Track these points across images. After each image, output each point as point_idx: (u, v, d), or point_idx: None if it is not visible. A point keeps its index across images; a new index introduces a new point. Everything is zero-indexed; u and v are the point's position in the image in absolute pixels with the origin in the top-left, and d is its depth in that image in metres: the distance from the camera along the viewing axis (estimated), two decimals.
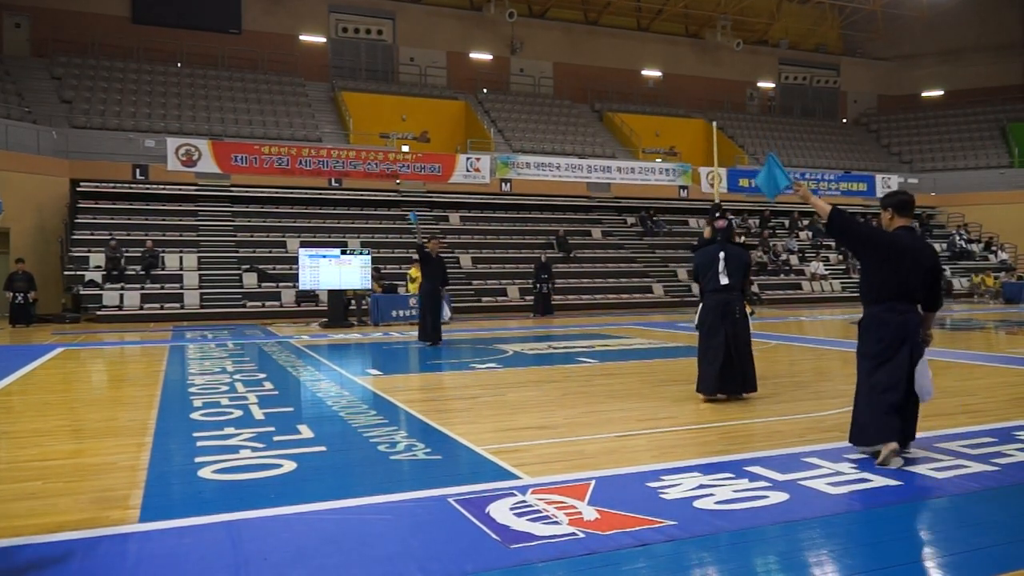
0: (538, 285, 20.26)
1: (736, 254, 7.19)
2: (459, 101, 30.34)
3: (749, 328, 7.30)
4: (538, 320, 18.90)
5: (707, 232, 7.70)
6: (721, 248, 7.16)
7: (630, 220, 27.89)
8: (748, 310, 7.59)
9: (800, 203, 6.39)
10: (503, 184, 26.13)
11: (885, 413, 4.72)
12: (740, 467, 4.65)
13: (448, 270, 20.52)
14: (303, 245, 19.90)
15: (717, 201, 9.30)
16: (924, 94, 38.86)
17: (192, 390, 7.98)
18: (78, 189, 21.96)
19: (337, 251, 17.78)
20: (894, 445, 4.71)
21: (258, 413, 6.64)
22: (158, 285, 19.93)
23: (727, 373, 7.00)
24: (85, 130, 22.73)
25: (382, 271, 19.96)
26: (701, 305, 7.31)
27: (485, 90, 31.88)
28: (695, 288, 7.41)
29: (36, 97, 23.55)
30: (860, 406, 4.92)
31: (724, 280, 7.06)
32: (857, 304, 5.66)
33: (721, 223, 7.37)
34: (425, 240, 13.02)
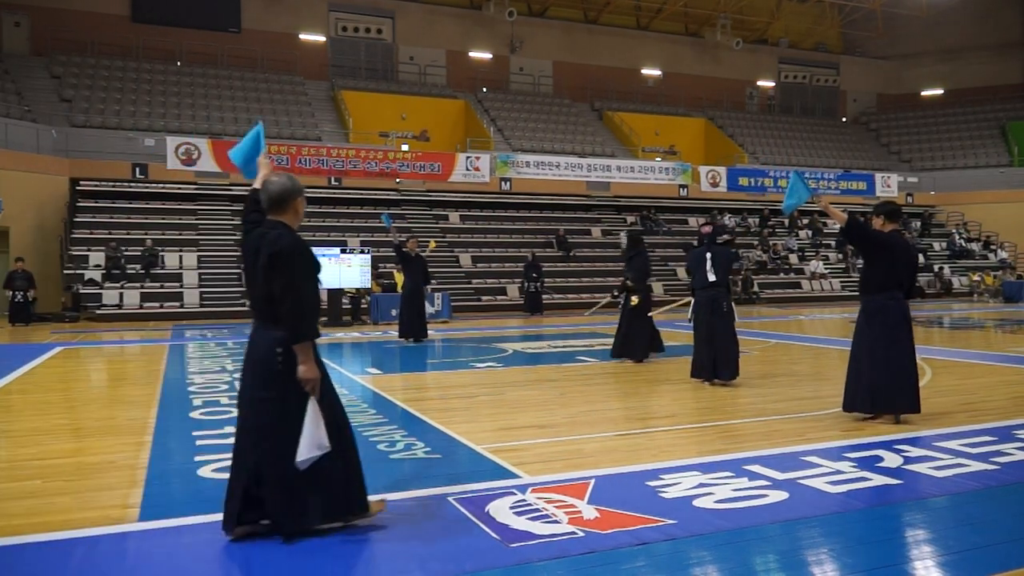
0: (527, 284, 20.28)
1: (721, 253, 8.10)
2: (459, 100, 30.33)
3: (735, 320, 8.10)
4: (529, 319, 18.83)
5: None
6: (708, 250, 8.09)
7: (630, 219, 27.87)
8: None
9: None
10: (503, 183, 26.12)
11: (907, 385, 5.82)
12: (739, 466, 4.66)
13: (447, 269, 20.50)
14: None
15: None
16: (924, 93, 38.86)
17: (192, 389, 7.98)
18: (78, 188, 21.95)
19: (337, 250, 17.78)
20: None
21: None
22: (158, 284, 19.92)
23: (716, 360, 7.88)
24: (85, 129, 22.72)
25: (379, 270, 19.97)
26: (693, 301, 8.20)
27: (485, 89, 31.86)
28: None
29: (36, 96, 23.53)
30: (870, 379, 5.84)
31: (712, 277, 7.95)
32: (856, 302, 5.94)
33: (707, 229, 8.63)
34: (403, 240, 13.05)
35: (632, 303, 9.89)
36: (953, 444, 5.19)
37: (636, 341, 9.90)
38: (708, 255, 7.98)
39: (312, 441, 3.45)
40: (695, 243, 10.55)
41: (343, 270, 17.46)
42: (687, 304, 9.00)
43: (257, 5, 29.24)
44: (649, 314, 10.03)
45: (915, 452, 4.99)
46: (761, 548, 3.40)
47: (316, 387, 3.52)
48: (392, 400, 7.32)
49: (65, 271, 19.75)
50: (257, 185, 3.88)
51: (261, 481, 3.50)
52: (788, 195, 6.24)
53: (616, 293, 10.71)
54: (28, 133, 21.22)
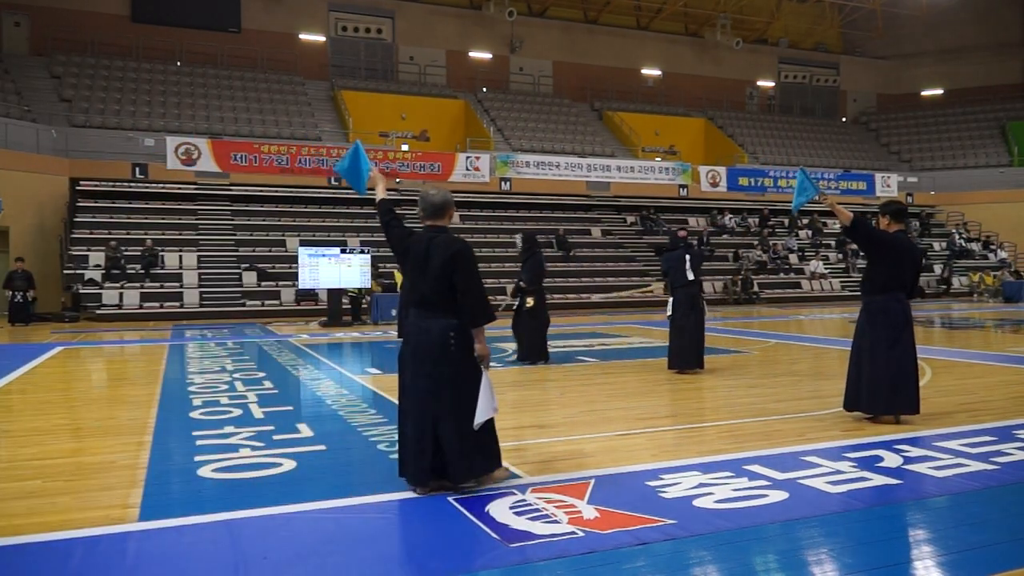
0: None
1: (697, 254, 9.02)
2: (459, 100, 30.32)
3: (705, 316, 9.02)
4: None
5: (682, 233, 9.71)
6: (686, 251, 8.94)
7: (630, 219, 27.88)
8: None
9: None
10: (503, 183, 26.13)
11: (908, 386, 5.81)
12: (739, 466, 4.66)
13: None
14: (303, 244, 19.89)
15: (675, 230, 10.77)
16: (924, 93, 38.86)
17: (192, 389, 7.98)
18: (77, 188, 21.95)
19: (337, 250, 17.78)
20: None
21: (258, 412, 6.63)
22: (157, 284, 19.92)
23: (698, 350, 8.79)
24: (84, 129, 22.72)
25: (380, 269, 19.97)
26: (672, 298, 8.93)
27: (484, 89, 31.86)
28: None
29: (35, 96, 23.53)
30: (871, 379, 5.86)
31: (691, 276, 8.84)
32: (856, 302, 6.00)
33: (682, 233, 9.53)
34: None
35: (528, 305, 9.83)
36: (953, 444, 5.19)
37: (534, 343, 9.84)
38: (687, 256, 8.85)
39: (488, 405, 4.21)
40: (667, 247, 10.63)
41: (343, 270, 17.45)
42: (649, 293, 9.52)
43: (257, 5, 29.24)
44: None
45: (915, 452, 4.99)
46: (761, 548, 3.40)
47: (488, 361, 4.34)
48: (392, 400, 7.31)
49: (65, 271, 19.75)
50: (381, 196, 4.64)
51: (440, 441, 4.12)
52: (797, 193, 6.25)
53: (513, 294, 10.59)
54: (28, 133, 21.22)
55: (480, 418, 4.18)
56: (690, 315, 8.72)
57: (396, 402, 7.19)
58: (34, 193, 20.72)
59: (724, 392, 7.64)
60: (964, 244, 30.94)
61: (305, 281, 17.59)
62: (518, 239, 10.46)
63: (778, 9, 35.91)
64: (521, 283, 10.04)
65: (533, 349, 9.85)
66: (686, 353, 8.73)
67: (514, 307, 10.17)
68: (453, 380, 4.17)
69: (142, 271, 19.91)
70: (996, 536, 3.52)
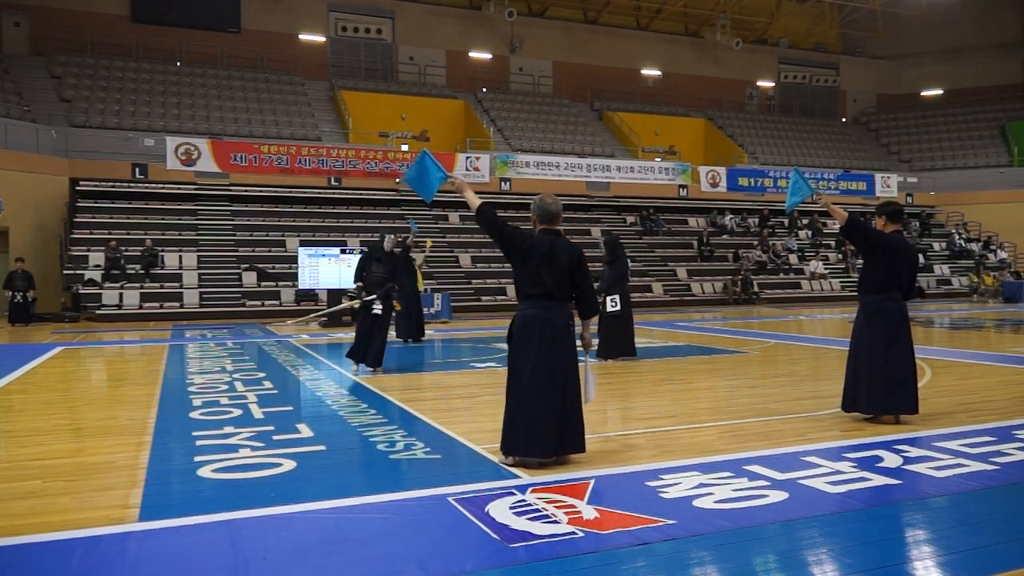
0: None
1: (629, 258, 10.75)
2: (458, 100, 30.32)
3: None
4: None
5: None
6: (625, 256, 10.50)
7: (629, 219, 27.88)
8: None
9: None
10: (503, 183, 26.12)
11: (906, 386, 5.85)
12: (739, 466, 4.66)
13: (447, 269, 20.63)
14: (302, 244, 19.89)
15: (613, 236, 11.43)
16: (923, 93, 38.85)
17: (191, 389, 7.98)
18: (77, 188, 21.94)
19: (336, 250, 17.78)
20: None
21: (257, 412, 6.63)
22: (157, 284, 19.92)
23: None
24: (84, 129, 22.71)
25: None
26: (619, 296, 10.07)
27: (484, 89, 31.86)
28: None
29: (35, 96, 23.53)
30: (869, 380, 5.90)
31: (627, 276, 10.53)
32: (856, 302, 6.00)
33: (618, 242, 10.85)
34: (420, 241, 13.45)
35: (396, 308, 9.73)
36: (953, 444, 5.19)
37: (377, 346, 9.58)
38: (628, 260, 10.42)
39: (593, 382, 5.09)
40: (608, 253, 10.68)
41: (343, 270, 17.46)
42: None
43: (257, 5, 29.24)
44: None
45: (915, 452, 4.99)
46: (761, 548, 3.40)
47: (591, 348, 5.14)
48: (392, 400, 7.32)
49: (65, 271, 19.74)
50: (477, 202, 5.14)
51: (566, 414, 4.75)
52: (791, 193, 6.27)
53: (363, 295, 10.09)
54: (28, 133, 21.22)
55: (591, 394, 5.01)
56: (627, 310, 10.12)
57: (396, 402, 7.24)
58: (34, 193, 20.72)
59: (724, 392, 7.64)
60: (964, 244, 30.93)
61: (305, 281, 17.59)
62: (386, 239, 10.16)
63: (778, 9, 35.92)
64: (395, 285, 9.90)
65: (379, 351, 9.62)
66: (631, 343, 10.16)
67: (358, 309, 9.84)
68: (574, 362, 4.90)
69: (142, 271, 19.91)
70: (996, 536, 3.52)
